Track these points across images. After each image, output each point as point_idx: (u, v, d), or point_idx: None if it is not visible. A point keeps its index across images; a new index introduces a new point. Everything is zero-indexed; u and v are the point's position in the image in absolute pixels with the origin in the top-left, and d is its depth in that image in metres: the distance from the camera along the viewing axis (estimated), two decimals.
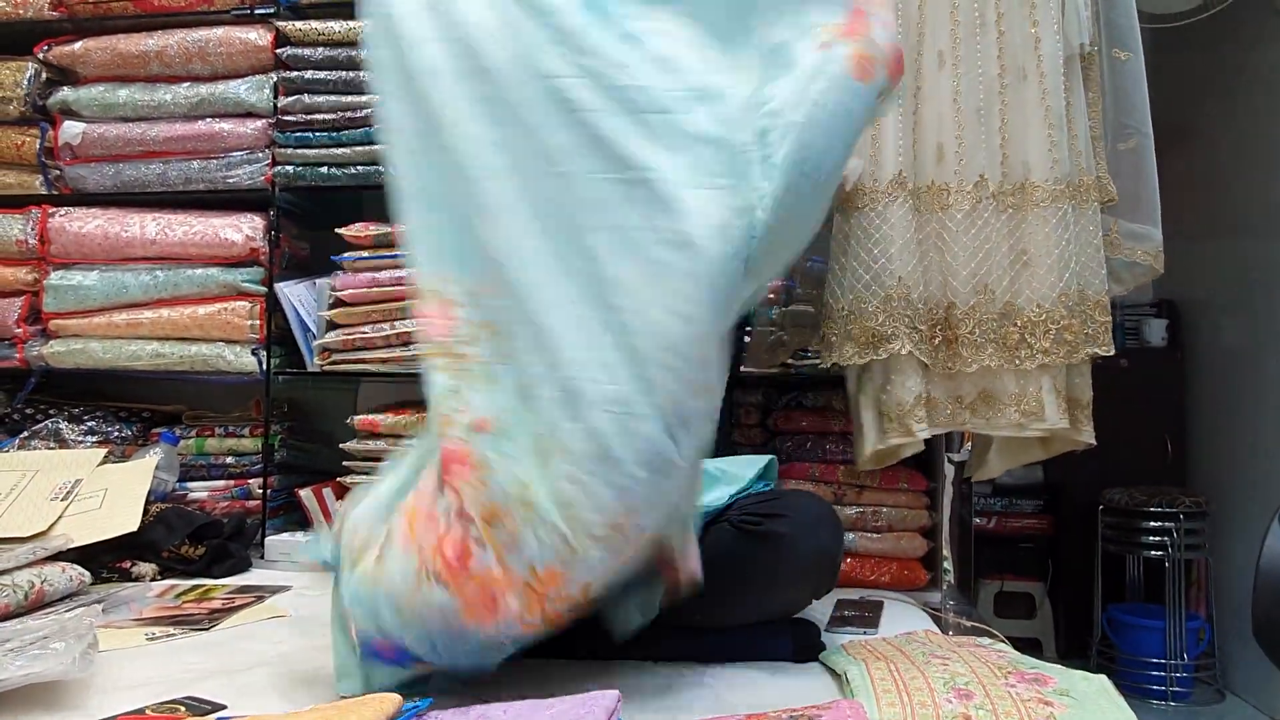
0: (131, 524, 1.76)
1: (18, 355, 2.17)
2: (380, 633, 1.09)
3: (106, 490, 1.83)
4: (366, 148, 2.08)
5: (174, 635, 1.47)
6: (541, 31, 1.11)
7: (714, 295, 1.06)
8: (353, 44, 2.10)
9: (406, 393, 2.20)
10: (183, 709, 1.13)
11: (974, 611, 1.71)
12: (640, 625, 1.19)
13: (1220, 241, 2.99)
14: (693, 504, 1.20)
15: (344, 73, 2.10)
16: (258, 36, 2.14)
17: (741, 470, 1.48)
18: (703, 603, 1.25)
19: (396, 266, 2.03)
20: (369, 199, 2.27)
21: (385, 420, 2.02)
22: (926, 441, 1.87)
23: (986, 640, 1.37)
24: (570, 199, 1.08)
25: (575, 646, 1.22)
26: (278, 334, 2.13)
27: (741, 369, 1.90)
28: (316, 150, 2.11)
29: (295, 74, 2.12)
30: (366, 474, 2.03)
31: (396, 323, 2.04)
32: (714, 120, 1.09)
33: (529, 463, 1.03)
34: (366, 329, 2.05)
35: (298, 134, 2.11)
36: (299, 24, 2.12)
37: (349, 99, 2.09)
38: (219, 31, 2.15)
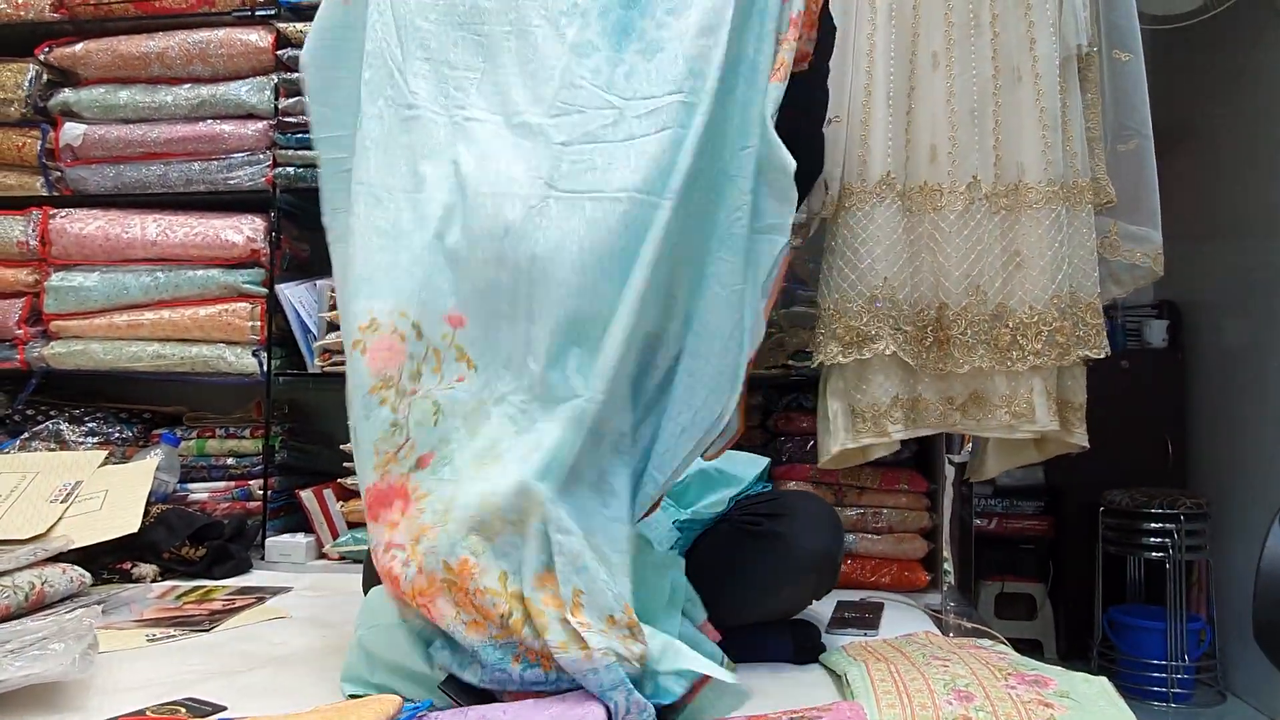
0: (132, 525, 1.76)
1: (18, 356, 2.18)
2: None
3: (107, 491, 1.84)
4: None
5: (174, 636, 1.47)
6: None
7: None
8: None
9: None
10: (183, 710, 1.13)
11: (974, 613, 1.71)
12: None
13: (1221, 242, 2.99)
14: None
15: None
16: (259, 38, 2.14)
17: (740, 470, 1.48)
18: (704, 603, 1.26)
19: None
20: None
21: None
22: (926, 443, 1.88)
23: (987, 642, 1.37)
24: None
25: None
26: (278, 335, 2.13)
27: None
28: (317, 152, 2.10)
29: (296, 75, 2.12)
30: None
31: None
32: None
33: (461, 480, 1.09)
34: None
35: (299, 135, 2.11)
36: (300, 25, 2.12)
37: None
38: (220, 33, 2.15)
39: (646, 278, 1.08)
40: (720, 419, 1.13)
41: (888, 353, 1.57)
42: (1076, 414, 1.63)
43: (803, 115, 1.28)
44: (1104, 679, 1.10)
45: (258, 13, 2.16)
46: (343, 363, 2.03)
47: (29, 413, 2.24)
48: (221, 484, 2.15)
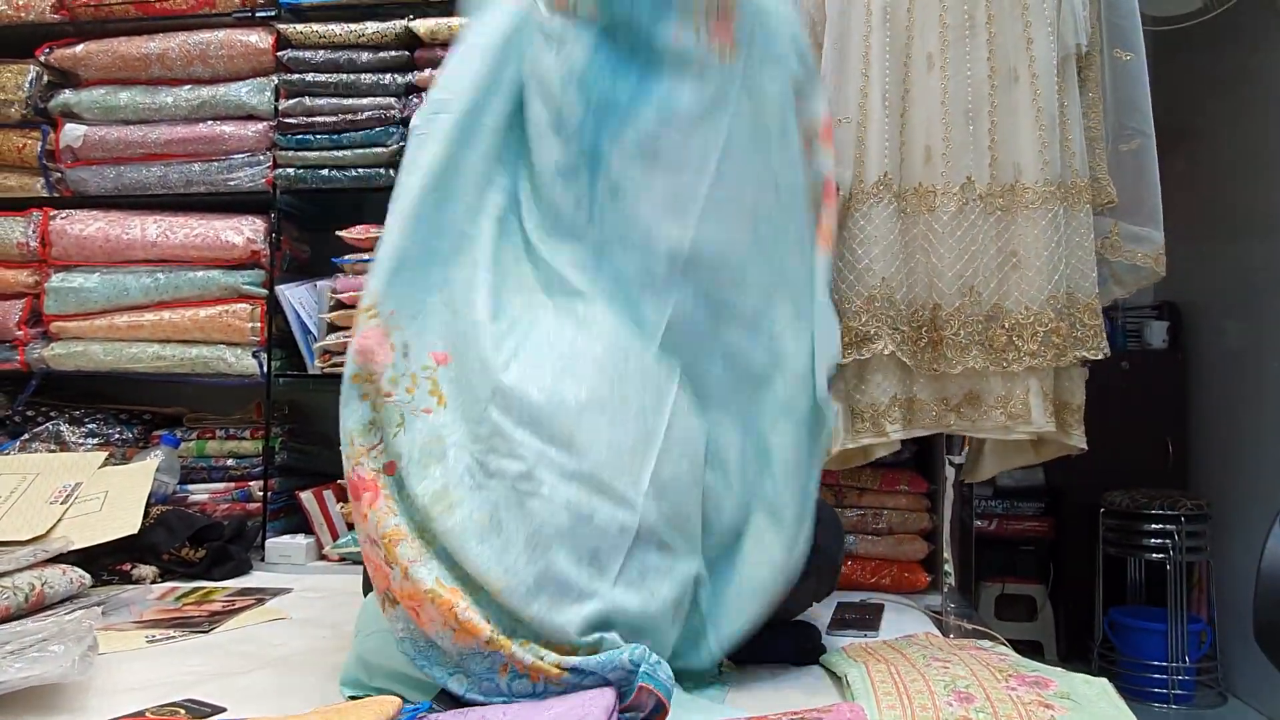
0: (132, 526, 1.76)
1: (19, 357, 2.18)
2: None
3: (107, 493, 1.84)
4: (367, 150, 2.09)
5: (174, 638, 1.47)
6: None
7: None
8: (354, 47, 2.11)
9: None
10: (182, 711, 1.12)
11: (975, 614, 1.71)
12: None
13: (1222, 244, 2.99)
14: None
15: (345, 75, 2.10)
16: (259, 39, 2.14)
17: None
18: None
19: None
20: (370, 201, 2.27)
21: None
22: (926, 444, 1.88)
23: (987, 643, 1.37)
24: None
25: None
26: (279, 336, 2.13)
27: None
28: (317, 153, 2.11)
29: (296, 76, 2.12)
30: None
31: None
32: None
33: (427, 510, 1.08)
34: None
35: (299, 136, 2.11)
36: (300, 26, 2.12)
37: (350, 101, 2.10)
38: (220, 34, 2.15)
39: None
40: None
41: (886, 353, 1.58)
42: (1074, 415, 1.63)
43: None
44: (1105, 680, 1.10)
45: (258, 14, 2.17)
46: (342, 365, 2.04)
47: (29, 414, 2.24)
48: (221, 485, 2.15)
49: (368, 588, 1.30)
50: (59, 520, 1.74)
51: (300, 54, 2.12)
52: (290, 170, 2.12)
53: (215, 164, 2.16)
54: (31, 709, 1.12)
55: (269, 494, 2.11)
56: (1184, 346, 3.24)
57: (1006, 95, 1.59)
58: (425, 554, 1.06)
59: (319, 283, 2.14)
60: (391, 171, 2.09)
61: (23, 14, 2.24)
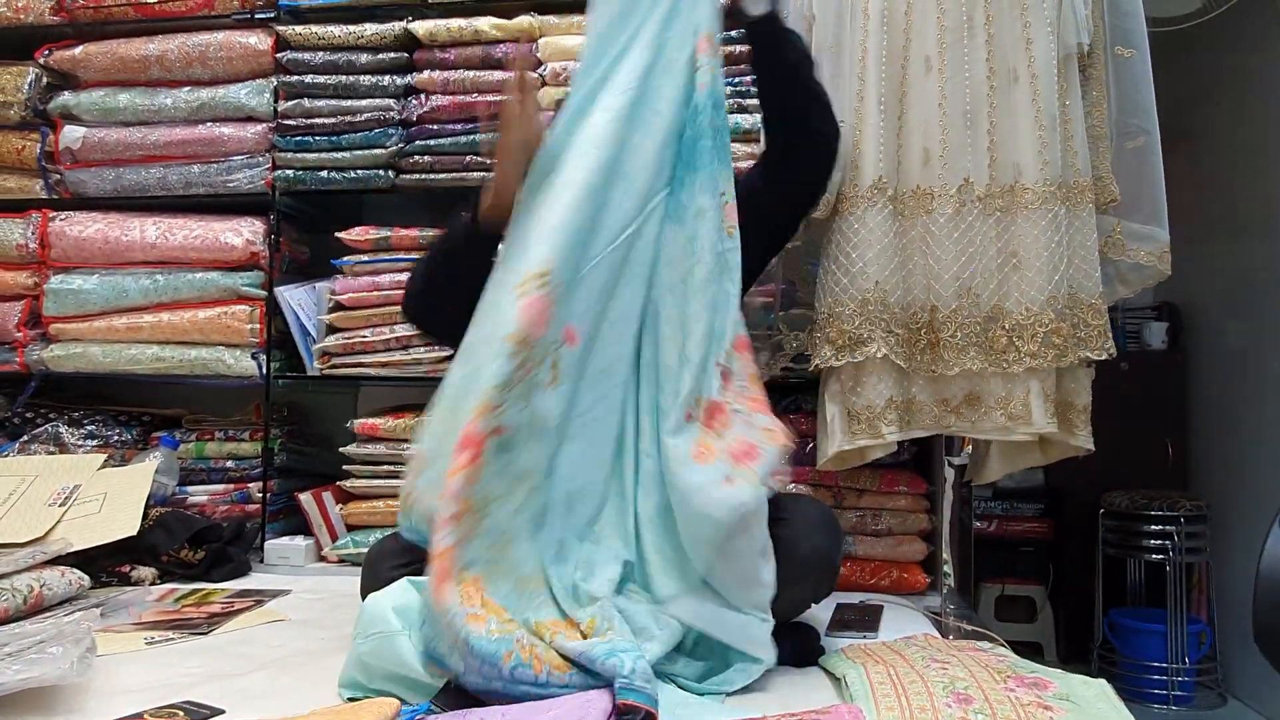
0: (131, 528, 1.76)
1: (18, 359, 2.18)
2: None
3: (106, 494, 1.84)
4: (366, 152, 2.09)
5: (173, 639, 1.47)
6: None
7: None
8: (352, 48, 2.10)
9: (406, 396, 2.20)
10: (181, 713, 1.12)
11: (974, 615, 1.71)
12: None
13: (1221, 244, 2.98)
14: None
15: (344, 77, 2.10)
16: (258, 41, 2.14)
17: None
18: None
19: (396, 270, 2.04)
20: (369, 203, 2.28)
21: (385, 424, 2.02)
22: (926, 445, 1.88)
23: (986, 644, 1.36)
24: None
25: None
26: (278, 338, 2.13)
27: None
28: (316, 154, 2.11)
29: (295, 78, 2.12)
30: (366, 478, 2.03)
31: (396, 326, 2.04)
32: None
33: (513, 485, 1.17)
34: (366, 333, 2.05)
35: (298, 138, 2.11)
36: (299, 28, 2.12)
37: (349, 103, 2.10)
38: (219, 36, 2.15)
39: None
40: None
41: (878, 356, 1.58)
42: (1080, 416, 1.62)
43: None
44: (1103, 681, 1.10)
45: (257, 16, 2.16)
46: (340, 366, 2.06)
47: (28, 415, 2.24)
48: (220, 487, 2.15)
49: (366, 590, 1.30)
50: (58, 522, 1.74)
51: (299, 56, 2.12)
52: (289, 172, 2.12)
53: (214, 166, 2.16)
54: (30, 711, 1.12)
55: (268, 495, 2.11)
56: (1183, 347, 3.24)
57: (1006, 96, 1.58)
58: (475, 531, 1.12)
59: (318, 284, 2.14)
60: (390, 173, 2.09)
61: (22, 16, 2.24)
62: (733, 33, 1.55)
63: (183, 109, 2.16)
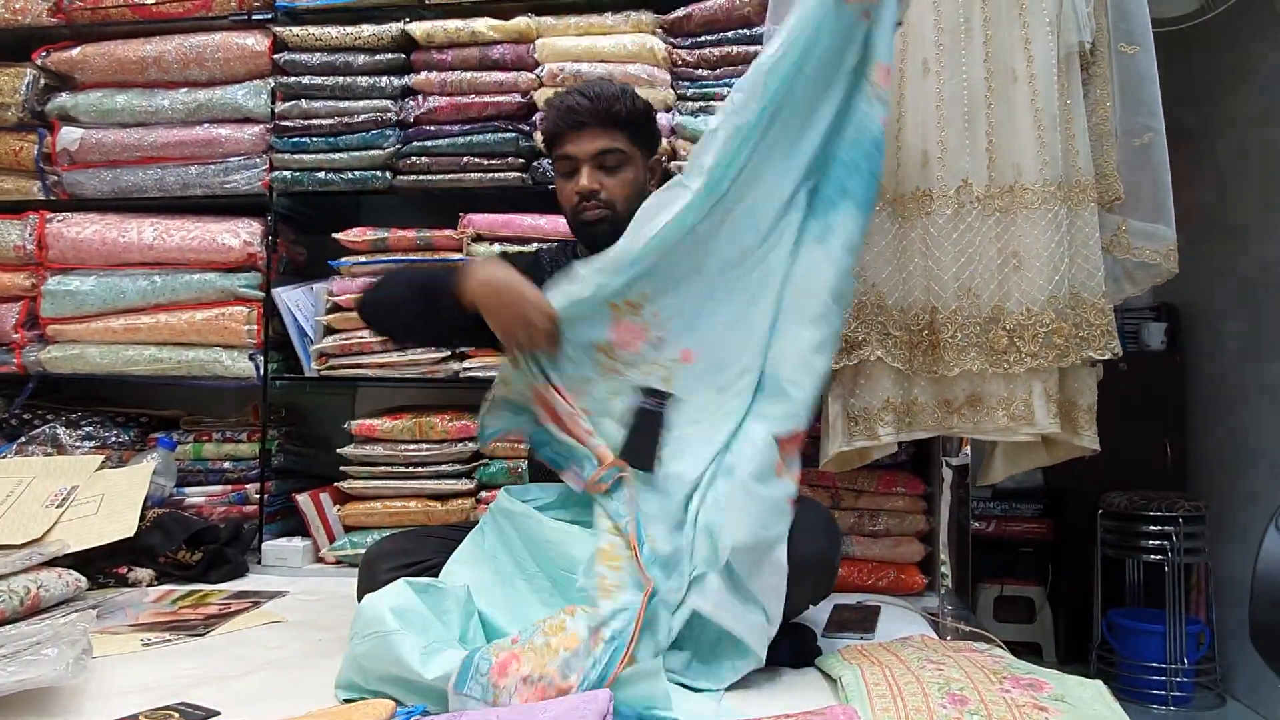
0: (128, 529, 1.76)
1: (15, 360, 2.18)
2: None
3: (104, 496, 1.84)
4: (363, 153, 2.08)
5: (169, 641, 1.47)
6: None
7: None
8: (350, 49, 2.10)
9: (404, 397, 2.20)
10: (177, 715, 1.12)
11: (971, 616, 1.71)
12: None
13: (1220, 244, 2.98)
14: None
15: (341, 78, 2.10)
16: (255, 42, 2.14)
17: None
18: None
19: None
20: (366, 204, 2.28)
21: (382, 425, 2.02)
22: (924, 446, 1.88)
23: (983, 645, 1.36)
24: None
25: None
26: (275, 339, 2.13)
27: None
28: (314, 155, 2.11)
29: (293, 79, 2.12)
30: (364, 479, 2.03)
31: None
32: None
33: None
34: (364, 334, 2.05)
35: (295, 139, 2.11)
36: (296, 29, 2.12)
37: (346, 104, 2.10)
38: (216, 37, 2.15)
39: None
40: None
41: (873, 358, 1.58)
42: (1085, 416, 1.62)
43: None
44: (1099, 682, 1.10)
45: (254, 17, 2.16)
46: (338, 367, 2.06)
47: (25, 417, 2.23)
48: (218, 488, 2.15)
49: (363, 591, 1.30)
50: (55, 523, 1.74)
51: (296, 57, 2.12)
52: (286, 173, 2.12)
53: (212, 167, 2.16)
54: (26, 712, 1.12)
55: (265, 496, 2.11)
56: (1182, 348, 3.24)
57: (1004, 96, 1.58)
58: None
59: (315, 285, 2.14)
60: (387, 174, 2.09)
61: (19, 18, 2.24)
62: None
63: (180, 110, 2.16)
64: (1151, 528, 2.82)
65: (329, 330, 2.08)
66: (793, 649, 1.34)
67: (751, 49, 1.95)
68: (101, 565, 1.79)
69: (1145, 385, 3.12)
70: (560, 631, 1.14)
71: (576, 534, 1.32)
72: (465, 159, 2.06)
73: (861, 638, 1.48)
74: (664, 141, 1.87)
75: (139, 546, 1.83)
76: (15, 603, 1.45)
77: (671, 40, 2.04)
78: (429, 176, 2.08)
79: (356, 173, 2.10)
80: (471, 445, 2.02)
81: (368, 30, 2.09)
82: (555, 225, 1.98)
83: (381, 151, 2.08)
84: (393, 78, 2.09)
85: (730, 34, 2.01)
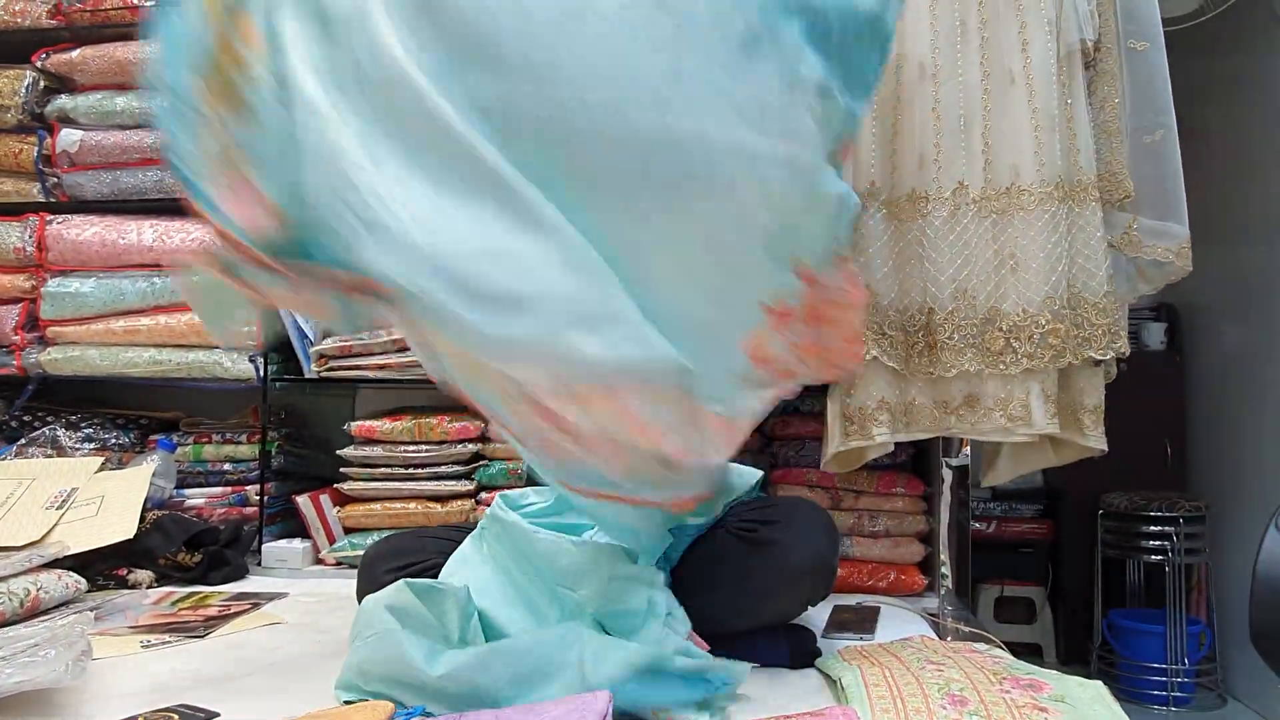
0: (128, 531, 1.76)
1: (15, 362, 2.17)
2: None
3: (103, 497, 1.83)
4: None
5: (169, 642, 1.47)
6: None
7: None
8: None
9: (404, 399, 2.20)
10: (176, 717, 1.12)
11: (971, 617, 1.71)
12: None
13: (1220, 245, 2.98)
14: None
15: None
16: None
17: (735, 479, 1.48)
18: (700, 609, 1.25)
19: None
20: None
21: (383, 426, 2.02)
22: (923, 446, 1.88)
23: (983, 646, 1.36)
24: None
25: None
26: (275, 341, 2.13)
27: None
28: None
29: None
30: (364, 480, 2.03)
31: (394, 329, 2.04)
32: None
33: None
34: (364, 335, 2.05)
35: None
36: None
37: None
38: None
39: None
40: None
41: (869, 357, 1.58)
42: (1090, 416, 1.62)
43: None
44: (1099, 683, 1.10)
45: None
46: (338, 369, 2.06)
47: (25, 419, 2.23)
48: (218, 489, 2.15)
49: (362, 593, 1.30)
50: (55, 525, 1.74)
51: None
52: None
53: None
54: (24, 714, 1.12)
55: (265, 498, 2.11)
56: (1182, 348, 3.24)
57: (1001, 98, 1.58)
58: None
59: None
60: None
61: (19, 19, 2.24)
62: None
63: None
64: (1152, 528, 2.83)
65: (328, 332, 2.08)
66: (792, 650, 1.34)
67: None
68: (101, 567, 1.79)
69: (1145, 386, 3.12)
70: None
71: (565, 545, 1.29)
72: None
73: (861, 638, 1.48)
74: None
75: (138, 548, 1.83)
76: (15, 605, 1.45)
77: None
78: None
79: None
80: (471, 446, 2.02)
81: None
82: None
83: None
84: None
85: None
